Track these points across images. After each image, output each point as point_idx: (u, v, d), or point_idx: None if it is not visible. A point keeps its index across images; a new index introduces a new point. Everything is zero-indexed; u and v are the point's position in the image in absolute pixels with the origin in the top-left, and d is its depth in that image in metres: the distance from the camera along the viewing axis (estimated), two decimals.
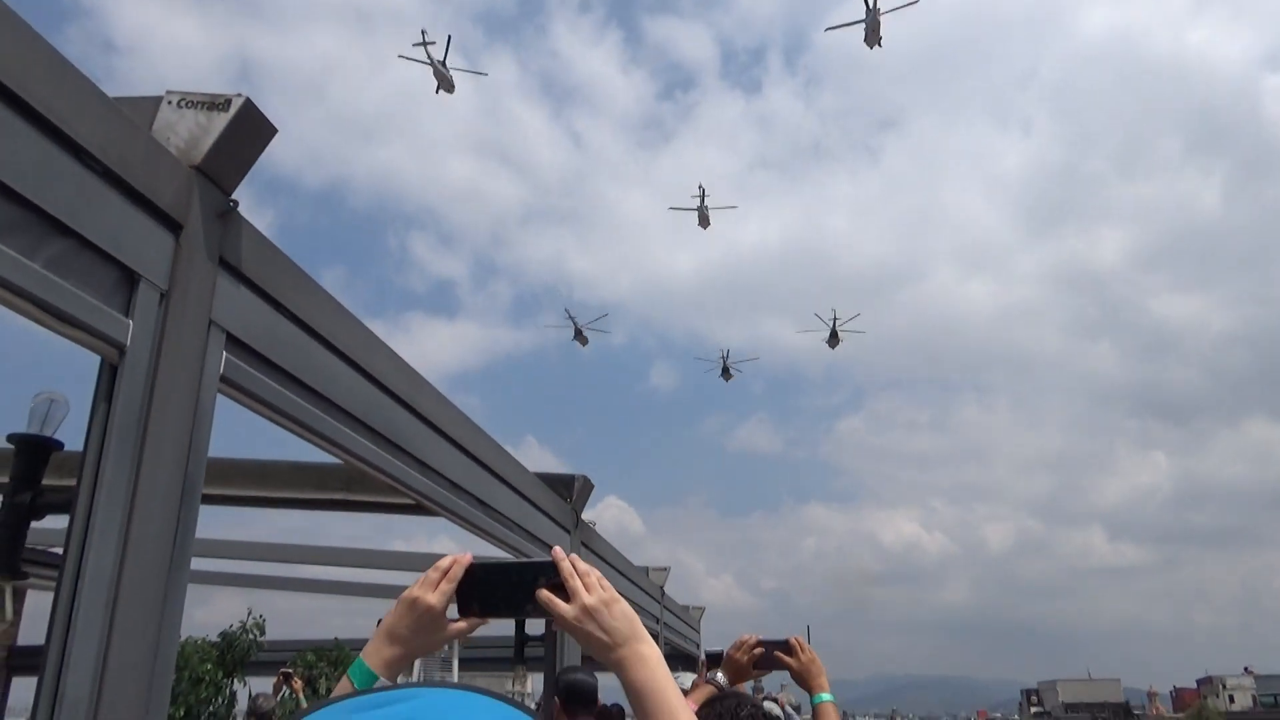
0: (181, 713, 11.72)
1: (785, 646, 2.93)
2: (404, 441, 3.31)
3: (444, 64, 33.30)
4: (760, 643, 2.97)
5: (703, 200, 42.89)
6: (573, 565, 1.59)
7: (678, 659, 13.16)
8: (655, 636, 10.20)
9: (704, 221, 44.56)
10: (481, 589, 1.63)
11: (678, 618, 12.10)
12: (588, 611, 1.55)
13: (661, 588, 10.31)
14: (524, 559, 1.67)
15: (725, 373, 50.84)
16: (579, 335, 42.16)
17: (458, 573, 1.63)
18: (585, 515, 6.06)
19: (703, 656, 3.27)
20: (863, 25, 37.27)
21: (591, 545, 6.44)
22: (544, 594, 1.58)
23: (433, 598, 1.59)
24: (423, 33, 31.81)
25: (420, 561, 10.17)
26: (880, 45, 37.87)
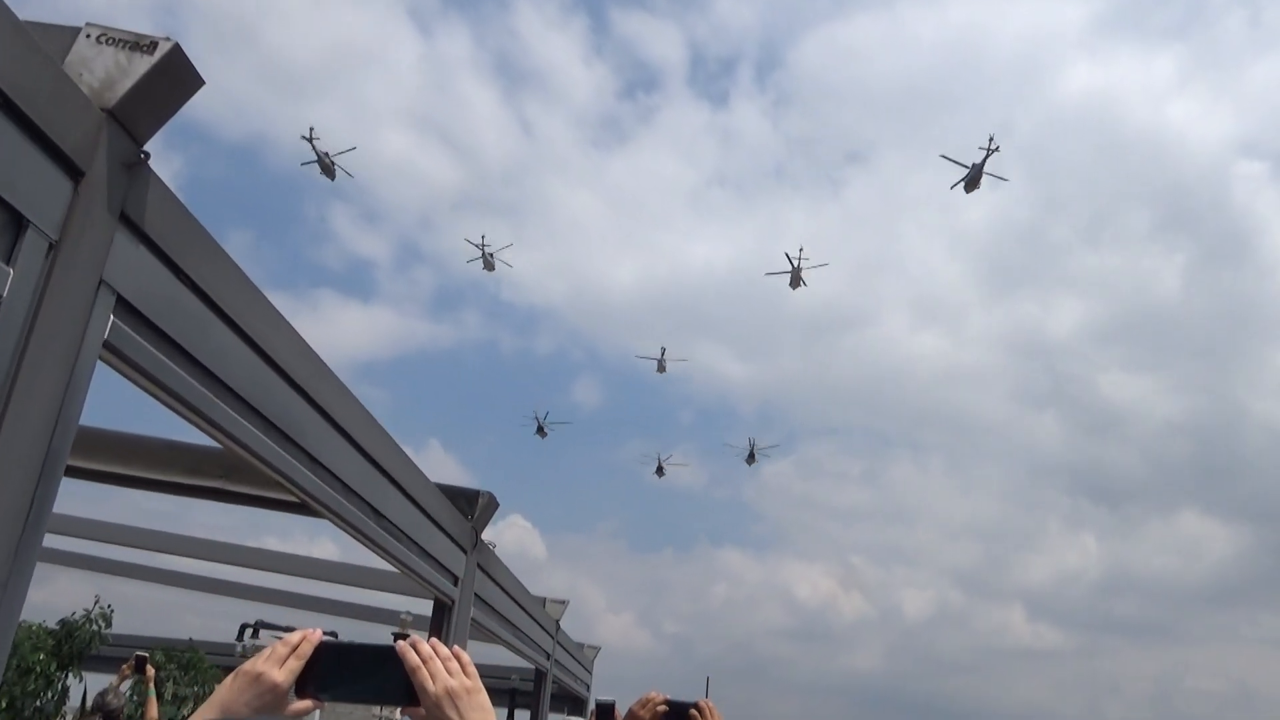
0: (3, 704, 11.20)
1: (692, 710, 2.89)
2: (296, 432, 3.27)
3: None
4: (667, 702, 2.94)
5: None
6: (433, 650, 1.66)
7: (565, 700, 13.08)
8: (543, 676, 10.12)
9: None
10: (326, 670, 1.66)
11: (571, 655, 12.02)
12: (450, 695, 1.61)
13: (557, 622, 10.28)
14: (377, 643, 1.70)
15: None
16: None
17: (307, 650, 1.64)
18: (486, 535, 6.02)
19: (593, 705, 3.26)
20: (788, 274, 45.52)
21: (488, 568, 6.39)
22: (405, 649, 1.64)
23: (279, 674, 1.59)
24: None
25: (296, 565, 9.96)
26: (805, 285, 45.98)
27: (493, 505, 5.88)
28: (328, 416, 3.54)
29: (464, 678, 1.66)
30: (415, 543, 4.76)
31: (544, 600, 10.05)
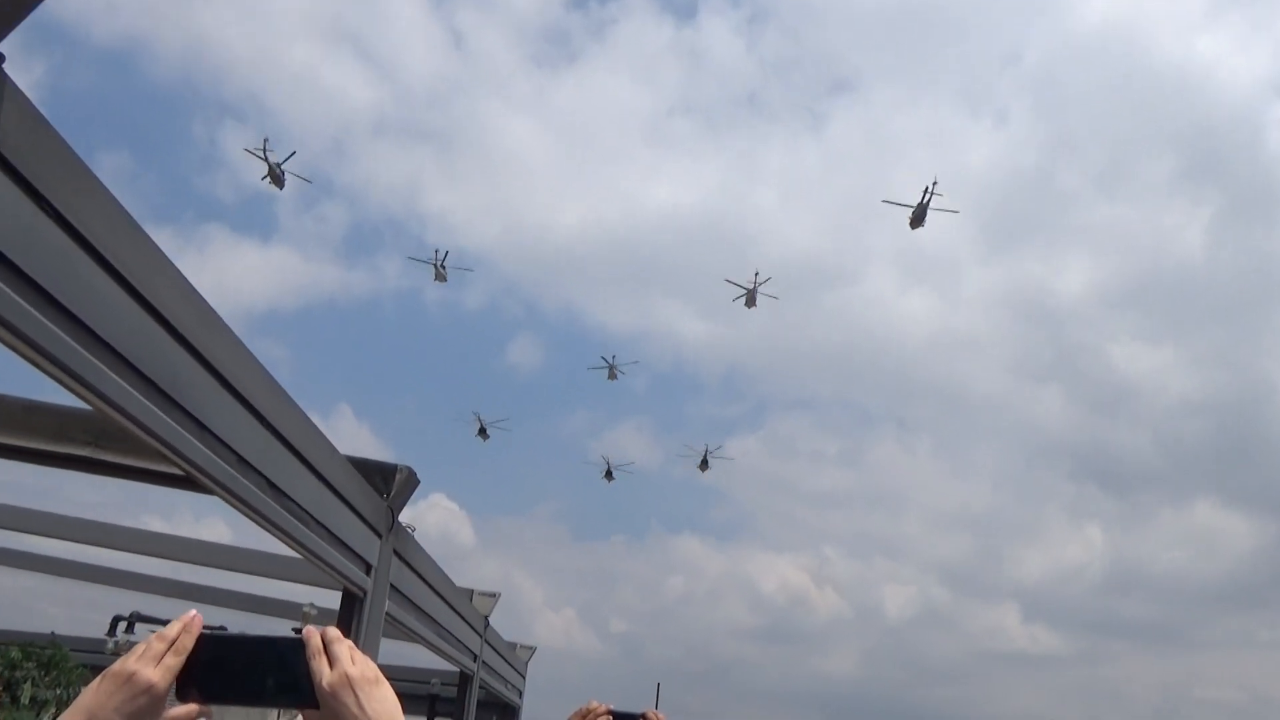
0: None
1: None
2: (180, 393, 3.23)
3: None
4: (611, 713, 2.98)
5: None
6: (338, 636, 1.69)
7: (494, 708, 13.18)
8: (468, 680, 10.19)
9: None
10: (212, 666, 1.66)
11: (501, 657, 12.14)
12: (348, 682, 1.64)
13: (486, 618, 10.35)
14: (268, 635, 1.71)
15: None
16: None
17: (188, 643, 1.64)
18: (404, 516, 6.03)
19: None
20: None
21: (406, 555, 6.40)
22: (310, 633, 1.67)
23: (154, 674, 1.58)
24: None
25: (180, 548, 9.89)
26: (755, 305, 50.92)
27: (412, 482, 5.87)
28: (218, 375, 3.50)
29: (367, 667, 1.68)
30: (321, 524, 4.76)
31: (471, 593, 10.06)
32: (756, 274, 51.10)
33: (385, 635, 6.11)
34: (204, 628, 1.68)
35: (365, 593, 5.54)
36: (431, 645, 7.98)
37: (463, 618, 9.11)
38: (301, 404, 4.40)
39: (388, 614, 6.01)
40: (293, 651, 1.69)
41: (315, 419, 4.61)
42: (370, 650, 5.71)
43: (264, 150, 46.33)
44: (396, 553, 6.07)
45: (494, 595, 10.36)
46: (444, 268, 53.57)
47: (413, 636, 7.27)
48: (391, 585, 6.01)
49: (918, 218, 48.48)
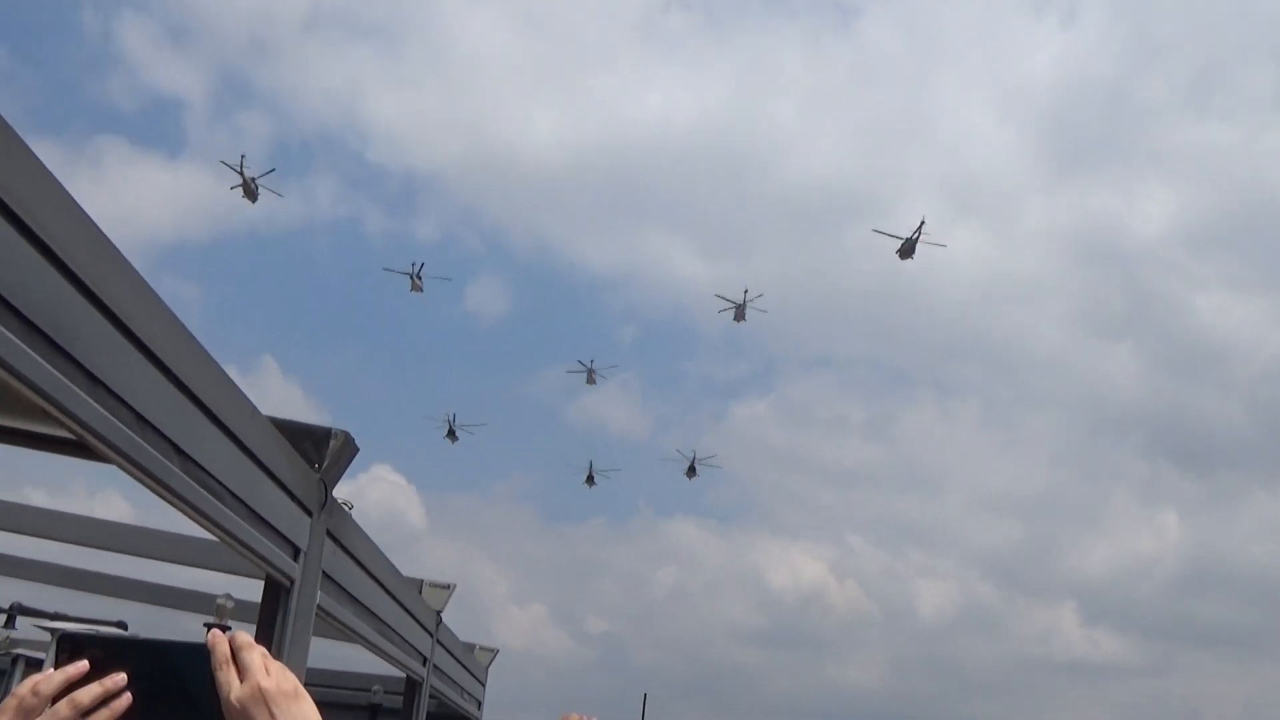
0: None
1: None
2: (68, 341, 3.24)
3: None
4: None
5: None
6: (249, 643, 1.77)
7: None
8: (416, 687, 10.31)
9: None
10: (92, 678, 1.70)
11: (457, 661, 12.18)
12: (261, 696, 1.70)
13: (438, 614, 10.37)
14: (164, 640, 1.78)
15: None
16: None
17: (75, 679, 1.72)
18: (340, 491, 6.08)
19: None
20: None
21: (343, 538, 6.43)
22: (216, 639, 1.75)
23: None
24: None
25: (71, 528, 9.91)
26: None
27: (349, 450, 5.91)
28: (115, 319, 3.51)
29: (284, 678, 1.75)
30: (239, 499, 4.78)
31: (420, 584, 10.08)
32: (746, 291, 54.03)
33: (317, 633, 6.13)
34: (98, 626, 1.74)
35: (292, 582, 5.59)
36: (372, 645, 7.99)
37: (410, 613, 9.11)
38: (216, 355, 4.42)
39: (319, 607, 6.04)
40: (194, 660, 1.74)
41: (233, 373, 4.63)
42: (299, 651, 5.75)
43: (240, 166, 53.35)
44: (330, 534, 6.09)
45: (448, 587, 10.37)
46: (420, 278, 56.06)
47: (350, 635, 7.28)
48: (324, 573, 6.04)
49: (906, 250, 52.98)
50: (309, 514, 5.73)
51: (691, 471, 62.30)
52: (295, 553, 5.60)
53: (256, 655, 1.78)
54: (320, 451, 5.76)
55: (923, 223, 53.91)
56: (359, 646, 8.04)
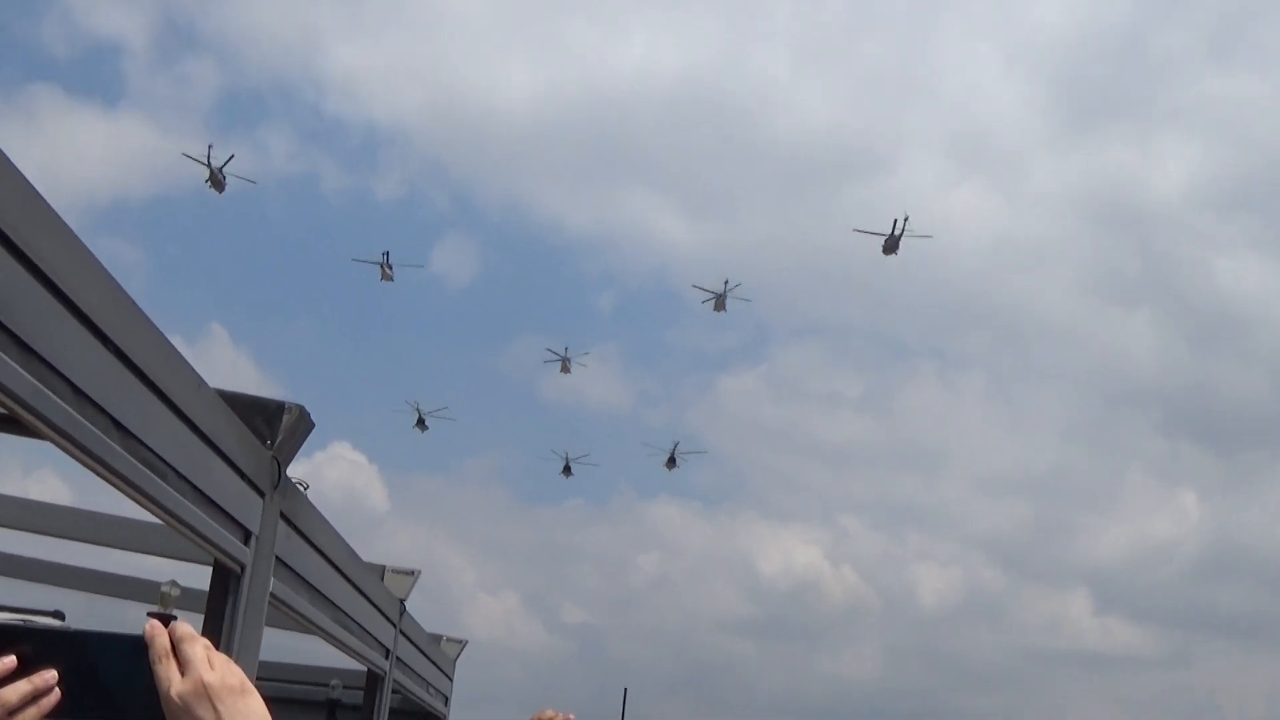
0: None
1: None
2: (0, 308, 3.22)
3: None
4: None
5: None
6: (182, 638, 1.77)
7: (411, 718, 13.27)
8: (378, 681, 10.35)
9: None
10: (21, 673, 1.69)
11: (422, 653, 12.17)
12: (205, 692, 1.70)
13: (402, 602, 10.39)
14: (100, 631, 1.78)
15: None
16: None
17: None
18: (294, 470, 6.12)
19: None
20: None
21: (297, 520, 6.43)
22: (154, 630, 1.75)
23: None
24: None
25: (12, 513, 9.85)
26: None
27: (305, 426, 5.90)
28: (50, 285, 3.47)
29: (228, 672, 1.76)
30: (186, 479, 4.77)
31: (383, 570, 10.06)
32: (726, 281, 55.14)
33: (270, 624, 6.15)
34: (32, 617, 1.74)
35: (243, 567, 5.59)
36: (330, 637, 8.00)
37: (371, 602, 9.12)
38: (160, 322, 4.40)
39: (273, 595, 6.05)
40: (131, 654, 1.74)
41: (178, 343, 4.61)
42: (250, 642, 5.78)
43: (208, 157, 56.42)
44: (285, 517, 6.10)
45: (412, 573, 10.36)
46: (390, 266, 57.03)
47: (306, 625, 7.28)
48: (277, 559, 6.06)
49: (891, 246, 55.29)
50: (261, 495, 5.73)
51: (671, 463, 63.71)
52: (246, 536, 5.60)
53: (199, 648, 1.78)
54: (273, 427, 5.75)
55: (906, 218, 57.53)
56: (316, 638, 8.03)
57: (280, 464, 5.87)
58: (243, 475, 5.47)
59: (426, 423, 61.41)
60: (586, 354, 62.76)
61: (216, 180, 57.67)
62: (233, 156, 58.57)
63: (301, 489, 6.56)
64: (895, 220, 57.24)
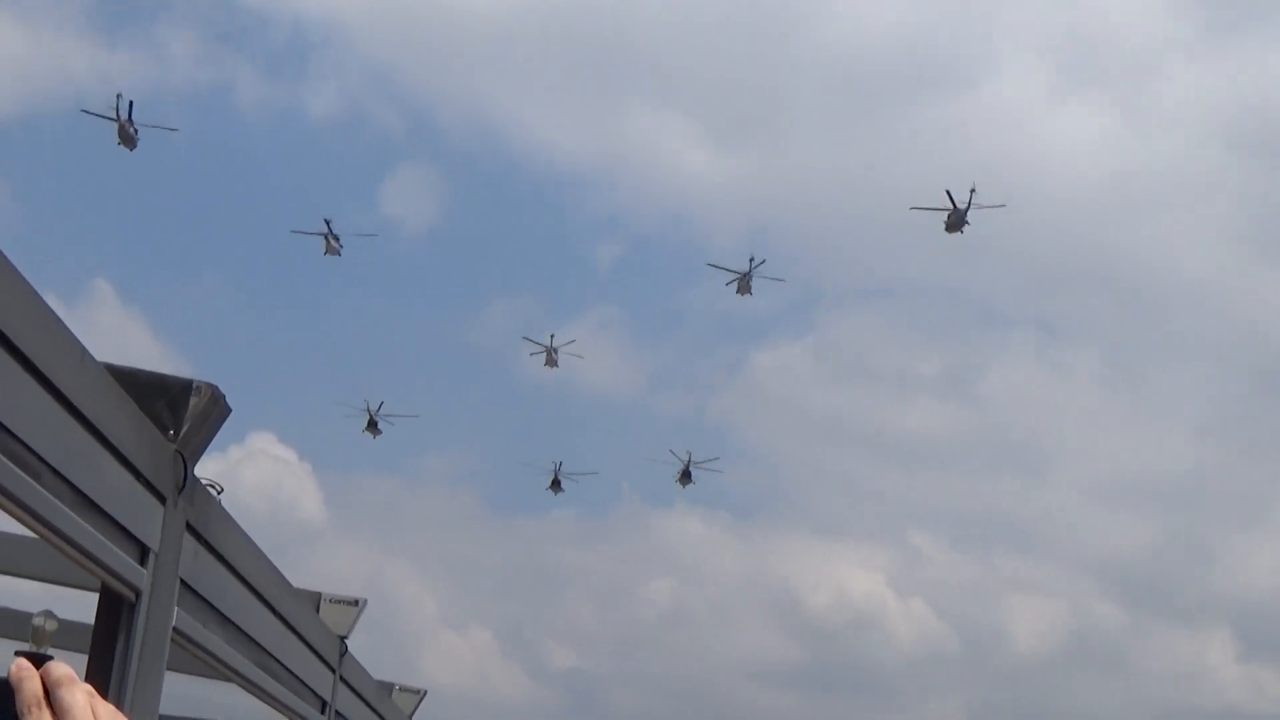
0: None
1: None
2: None
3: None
4: None
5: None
6: (58, 682, 1.73)
7: None
8: None
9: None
10: None
11: (368, 706, 11.95)
12: None
13: (343, 640, 9.96)
14: None
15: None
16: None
17: None
18: (204, 470, 5.84)
19: None
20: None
21: (208, 534, 6.11)
22: (23, 672, 1.74)
23: None
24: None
25: None
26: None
27: (218, 411, 5.65)
28: None
29: None
30: (64, 479, 4.54)
31: (319, 599, 9.74)
32: (752, 258, 52.66)
33: (172, 666, 5.93)
34: None
35: (138, 594, 5.35)
36: (250, 684, 7.67)
37: (303, 639, 8.78)
38: (31, 277, 4.17)
39: (176, 630, 5.81)
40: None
41: (54, 303, 4.42)
42: (147, 689, 5.54)
43: (115, 108, 53.83)
44: (192, 529, 5.83)
45: (356, 603, 9.84)
46: (337, 238, 56.26)
47: (219, 669, 6.99)
48: (182, 582, 5.80)
49: (956, 223, 51.48)
50: (161, 500, 5.47)
51: (686, 478, 60.58)
52: (142, 554, 5.35)
53: (79, 695, 1.74)
54: (177, 413, 5.46)
55: (973, 190, 54.00)
56: (232, 685, 7.69)
57: (186, 461, 5.61)
58: (138, 475, 5.21)
59: (379, 425, 60.63)
60: (571, 342, 60.79)
61: (126, 135, 56.07)
62: (131, 104, 57.28)
63: (214, 493, 6.32)
64: (949, 193, 54.55)
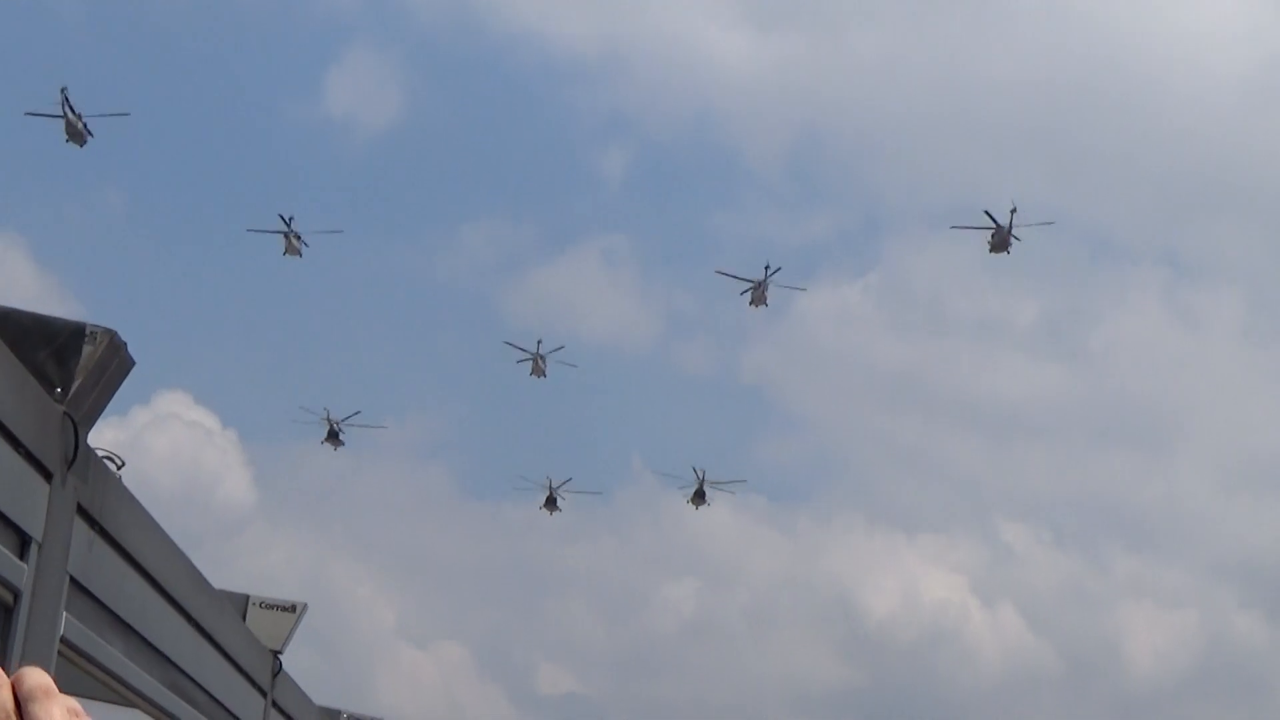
0: None
1: None
2: None
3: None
4: None
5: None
6: (31, 694, 1.61)
7: None
8: None
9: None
10: None
11: None
12: None
13: (276, 655, 9.18)
14: None
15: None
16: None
17: None
18: (100, 437, 5.21)
19: None
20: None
21: (104, 519, 5.35)
22: None
23: None
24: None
25: None
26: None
27: (119, 364, 4.92)
28: None
29: None
30: None
31: (245, 602, 8.94)
32: (767, 265, 51.72)
33: (66, 688, 4.97)
34: None
35: (16, 595, 4.65)
36: (158, 709, 6.92)
37: (225, 654, 8.01)
38: None
39: (65, 641, 5.13)
40: None
41: None
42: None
43: (63, 103, 51.89)
44: (85, 512, 5.11)
45: (292, 609, 8.99)
46: (299, 236, 55.48)
47: (118, 690, 6.26)
48: (72, 580, 5.10)
49: (999, 243, 51.17)
50: (46, 477, 4.74)
51: (699, 498, 57.49)
52: (21, 545, 4.66)
53: (56, 711, 1.56)
54: (66, 366, 4.71)
55: (1014, 210, 52.76)
56: (135, 711, 6.86)
57: (77, 426, 4.89)
58: (16, 444, 4.47)
59: (341, 435, 59.19)
60: (559, 348, 60.08)
61: (75, 131, 55.27)
62: (65, 87, 57.08)
63: (113, 467, 5.66)
64: (989, 213, 54.51)
